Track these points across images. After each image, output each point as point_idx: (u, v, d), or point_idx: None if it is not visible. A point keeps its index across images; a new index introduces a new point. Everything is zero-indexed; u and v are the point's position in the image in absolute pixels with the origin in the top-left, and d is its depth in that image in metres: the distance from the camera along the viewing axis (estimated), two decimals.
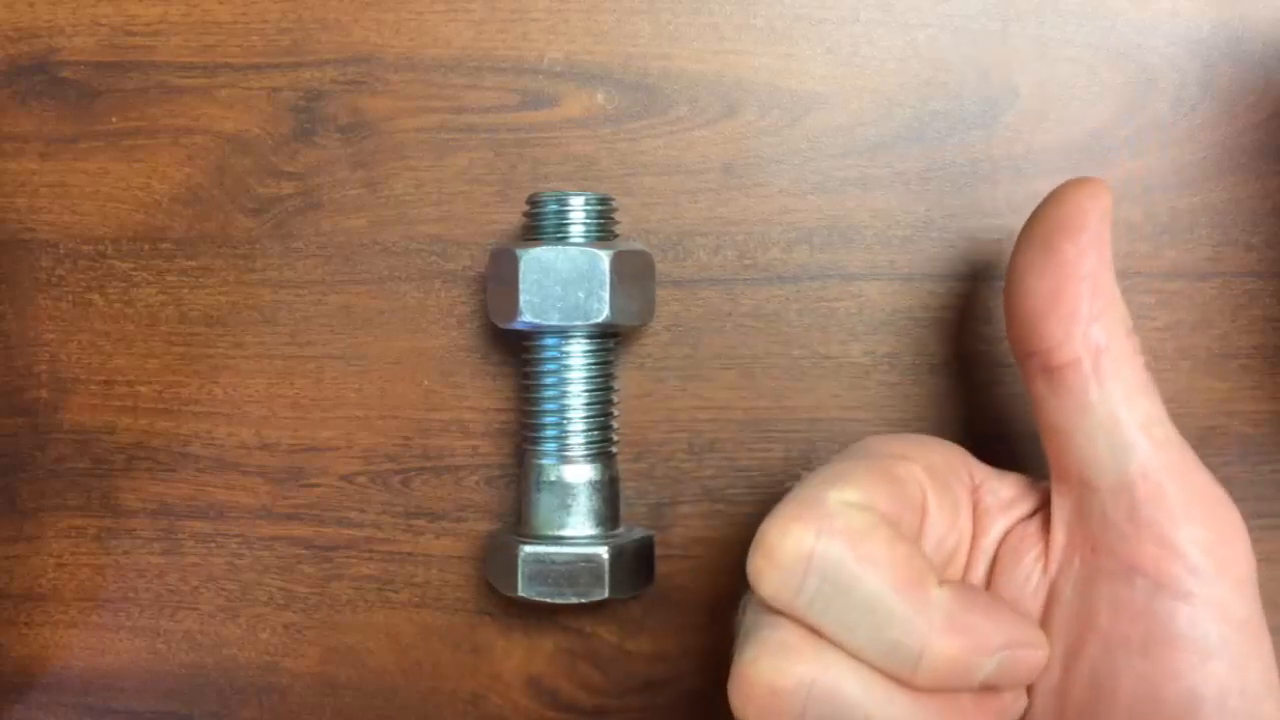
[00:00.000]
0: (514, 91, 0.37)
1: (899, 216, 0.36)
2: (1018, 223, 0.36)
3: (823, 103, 0.36)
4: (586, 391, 0.34)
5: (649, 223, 0.37)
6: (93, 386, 0.38)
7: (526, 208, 0.35)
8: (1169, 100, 0.36)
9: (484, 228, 0.37)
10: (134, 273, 0.38)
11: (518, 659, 0.37)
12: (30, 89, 0.38)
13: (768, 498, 0.37)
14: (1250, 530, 0.36)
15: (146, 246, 0.38)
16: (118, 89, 0.37)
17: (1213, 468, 0.36)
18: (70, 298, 0.38)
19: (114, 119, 0.37)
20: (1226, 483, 0.36)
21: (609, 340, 0.35)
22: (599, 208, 0.34)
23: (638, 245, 0.34)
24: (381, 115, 0.37)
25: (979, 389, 0.36)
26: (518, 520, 0.36)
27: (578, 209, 0.34)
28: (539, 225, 0.34)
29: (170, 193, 0.37)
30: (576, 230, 0.34)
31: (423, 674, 0.38)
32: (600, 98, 0.37)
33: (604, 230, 0.34)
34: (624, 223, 0.36)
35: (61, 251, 0.38)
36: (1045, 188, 0.36)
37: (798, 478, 0.37)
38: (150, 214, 0.38)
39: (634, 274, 0.34)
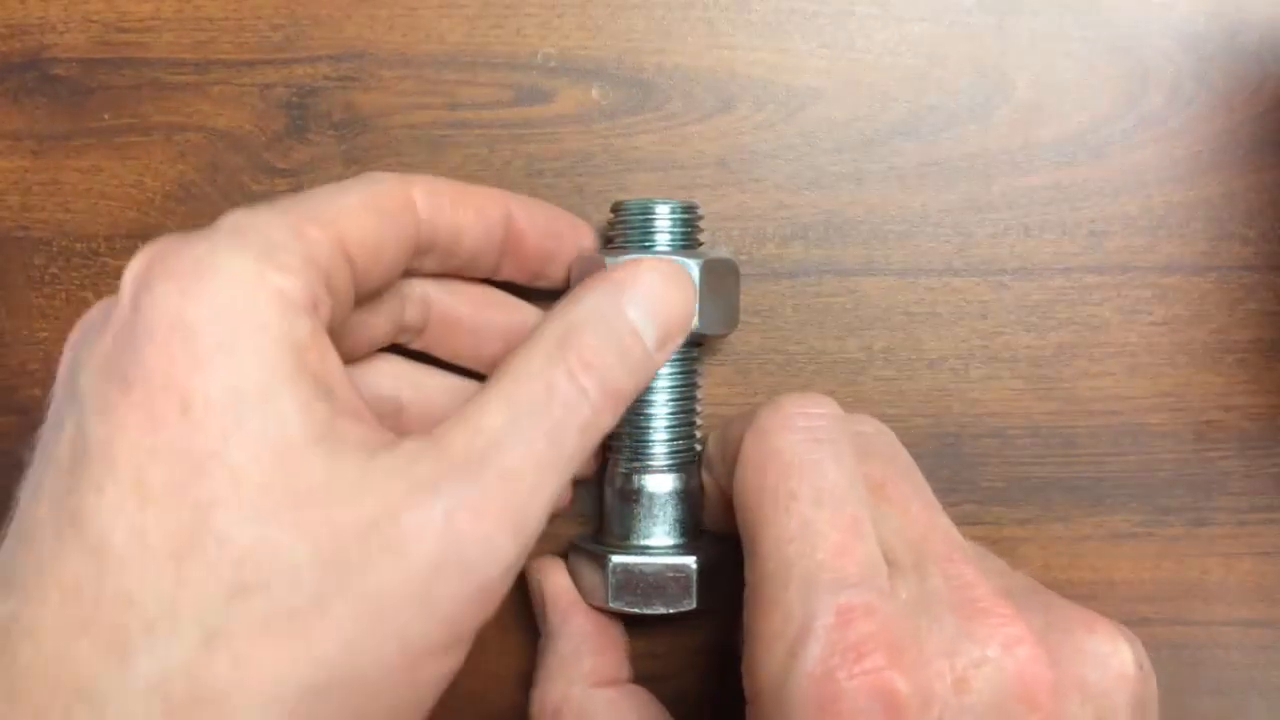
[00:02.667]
0: (508, 87, 0.37)
1: (894, 212, 0.36)
2: (1013, 218, 0.36)
3: (817, 98, 0.36)
4: (674, 400, 0.33)
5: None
6: None
7: (611, 216, 0.34)
8: (1165, 94, 0.36)
9: None
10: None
11: (516, 657, 0.37)
12: (22, 86, 0.37)
13: None
14: (1247, 525, 0.36)
15: (140, 244, 0.37)
16: (110, 86, 0.37)
17: (1209, 462, 0.36)
18: (64, 295, 0.38)
19: (106, 116, 0.37)
20: (1224, 477, 0.36)
21: (694, 349, 0.34)
22: (685, 216, 0.33)
23: (724, 253, 0.33)
24: (375, 111, 0.37)
25: (975, 385, 0.36)
26: (599, 529, 0.35)
27: (664, 217, 0.33)
28: (624, 234, 0.33)
29: (163, 190, 0.37)
30: (663, 239, 0.33)
31: None
32: (595, 93, 0.37)
33: (689, 239, 0.33)
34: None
35: (55, 249, 0.38)
36: (1041, 182, 0.36)
37: None
38: (143, 211, 0.37)
39: (721, 282, 0.33)
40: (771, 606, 0.25)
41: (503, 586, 0.25)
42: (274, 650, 0.22)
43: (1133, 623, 0.36)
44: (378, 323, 0.32)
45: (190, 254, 0.25)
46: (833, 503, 0.26)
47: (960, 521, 0.36)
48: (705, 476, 0.34)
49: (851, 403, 0.36)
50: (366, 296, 0.29)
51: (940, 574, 0.26)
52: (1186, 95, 0.36)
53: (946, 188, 0.36)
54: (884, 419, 0.36)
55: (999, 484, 0.36)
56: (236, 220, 0.26)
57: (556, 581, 0.34)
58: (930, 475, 0.30)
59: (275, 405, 0.23)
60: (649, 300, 0.28)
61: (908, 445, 0.36)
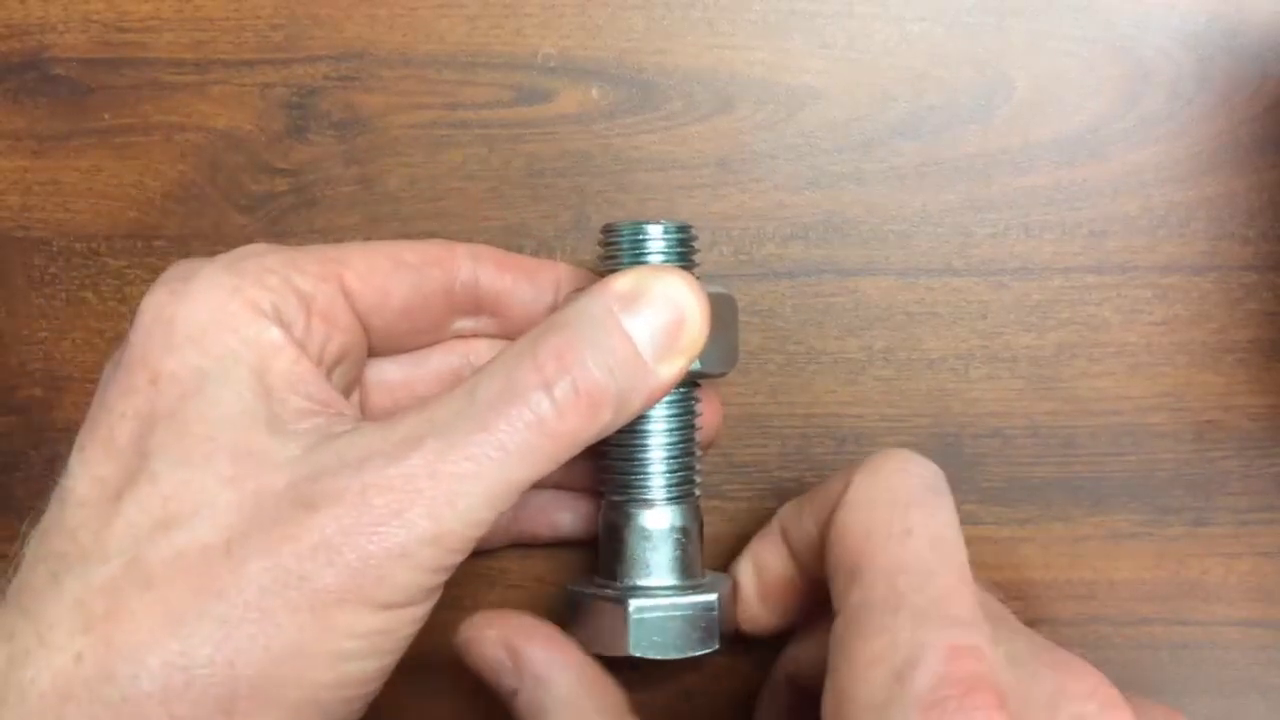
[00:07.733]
0: (508, 87, 0.37)
1: (894, 211, 0.36)
2: (1013, 218, 0.36)
3: (817, 97, 0.36)
4: (671, 437, 0.32)
5: (645, 219, 0.36)
6: (87, 385, 0.38)
7: (601, 237, 0.32)
8: (1165, 93, 0.36)
9: (478, 224, 0.37)
10: (127, 270, 0.38)
11: None
12: (22, 86, 0.37)
13: (764, 493, 0.37)
14: (1247, 525, 0.36)
15: (140, 244, 0.37)
16: (110, 86, 0.37)
17: (1210, 462, 0.36)
18: (64, 295, 0.38)
19: (106, 116, 0.37)
20: (1224, 477, 0.36)
21: (691, 389, 0.33)
22: (679, 237, 0.31)
23: (718, 288, 0.32)
24: (375, 111, 0.37)
25: (975, 384, 0.36)
26: (596, 569, 0.33)
27: (657, 239, 0.31)
28: (616, 259, 0.31)
29: (163, 190, 0.37)
30: (656, 263, 0.31)
31: (419, 671, 0.37)
32: (594, 93, 0.37)
33: (685, 261, 0.31)
34: (619, 218, 0.36)
35: (55, 249, 0.38)
36: (1041, 182, 0.36)
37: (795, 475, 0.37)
38: (143, 211, 0.37)
39: (719, 319, 0.30)
40: (876, 632, 0.25)
41: (425, 557, 0.25)
42: (182, 577, 0.25)
43: (1133, 623, 0.36)
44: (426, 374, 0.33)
45: (189, 268, 0.28)
46: (945, 546, 0.26)
47: (960, 521, 0.36)
48: (766, 553, 0.33)
49: (851, 403, 0.36)
50: (395, 335, 0.32)
51: (1023, 634, 0.27)
52: (1186, 95, 0.36)
53: (946, 188, 0.36)
54: (884, 419, 0.36)
55: (999, 484, 0.36)
56: (245, 249, 0.29)
57: (520, 626, 0.31)
58: None
59: (233, 386, 0.26)
60: (645, 304, 0.28)
61: (908, 445, 0.36)
